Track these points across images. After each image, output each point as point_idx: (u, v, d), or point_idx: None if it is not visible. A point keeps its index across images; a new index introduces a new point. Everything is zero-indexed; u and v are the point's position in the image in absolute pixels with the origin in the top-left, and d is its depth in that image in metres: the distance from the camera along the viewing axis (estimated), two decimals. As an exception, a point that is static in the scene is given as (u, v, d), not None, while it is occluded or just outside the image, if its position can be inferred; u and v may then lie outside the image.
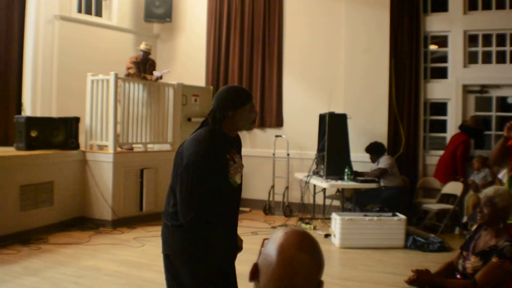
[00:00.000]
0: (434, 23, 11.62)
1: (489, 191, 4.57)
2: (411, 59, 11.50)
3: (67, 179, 10.17)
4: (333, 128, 10.82)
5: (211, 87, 13.05)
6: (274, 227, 10.70)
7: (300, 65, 12.66)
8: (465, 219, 10.21)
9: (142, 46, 11.43)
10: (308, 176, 10.99)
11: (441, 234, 9.99)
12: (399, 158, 11.38)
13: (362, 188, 10.56)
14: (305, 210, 11.58)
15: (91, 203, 10.44)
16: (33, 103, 11.30)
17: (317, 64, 12.45)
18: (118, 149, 10.64)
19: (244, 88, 4.17)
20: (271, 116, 12.66)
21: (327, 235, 9.87)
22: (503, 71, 11.18)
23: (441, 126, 11.77)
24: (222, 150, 3.92)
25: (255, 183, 12.10)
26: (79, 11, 12.32)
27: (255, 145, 12.22)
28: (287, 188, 12.18)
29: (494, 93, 11.39)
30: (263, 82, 12.85)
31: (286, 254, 1.92)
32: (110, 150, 10.39)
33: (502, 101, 11.58)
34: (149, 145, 11.47)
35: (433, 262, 7.83)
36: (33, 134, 9.78)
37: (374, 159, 11.07)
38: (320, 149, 11.13)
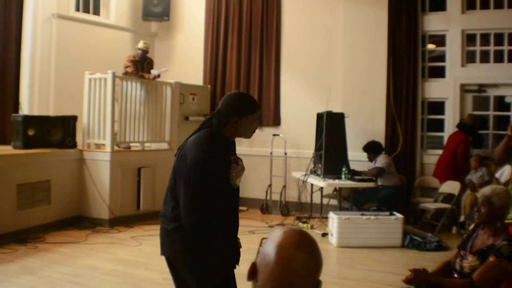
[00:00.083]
0: (432, 22, 11.62)
1: (486, 190, 4.57)
2: (409, 58, 11.50)
3: (64, 178, 10.16)
4: (330, 127, 10.83)
5: (209, 86, 13.09)
6: (271, 226, 10.70)
7: (298, 64, 12.66)
8: (462, 218, 10.21)
9: (141, 45, 11.43)
10: (305, 175, 11.00)
11: (438, 233, 10.00)
12: (396, 157, 11.38)
13: (359, 187, 10.57)
14: (303, 209, 11.59)
15: (88, 202, 10.43)
16: (31, 101, 11.28)
17: (315, 63, 12.45)
18: (116, 148, 10.64)
19: (253, 97, 4.20)
20: (269, 115, 12.65)
21: (324, 234, 9.87)
22: (501, 70, 11.18)
23: (439, 125, 11.77)
24: (225, 153, 3.95)
25: (253, 182, 12.09)
26: (77, 9, 12.30)
27: (253, 144, 12.21)
28: (284, 187, 12.18)
29: (492, 92, 11.40)
30: (261, 80, 12.85)
31: (284, 253, 1.92)
32: (108, 148, 10.38)
33: (499, 100, 11.57)
34: (147, 144, 11.48)
35: (430, 261, 7.84)
36: (31, 132, 9.78)
37: (371, 158, 11.07)
38: (317, 148, 11.13)
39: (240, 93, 4.20)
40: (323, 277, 2.00)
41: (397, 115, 11.56)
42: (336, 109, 11.28)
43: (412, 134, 11.52)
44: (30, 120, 9.86)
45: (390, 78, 11.59)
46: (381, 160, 10.85)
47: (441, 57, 11.79)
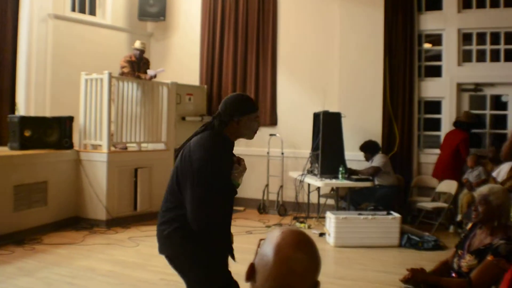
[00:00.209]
0: (428, 22, 11.62)
1: (483, 189, 4.57)
2: (405, 58, 11.50)
3: (61, 179, 10.14)
4: (327, 127, 10.82)
5: (205, 86, 13.09)
6: (268, 226, 10.70)
7: (294, 64, 12.66)
8: (459, 217, 10.22)
9: (137, 45, 11.43)
10: (302, 175, 11.00)
11: (436, 232, 10.00)
12: (393, 156, 11.39)
13: (356, 186, 10.57)
14: (300, 209, 11.58)
15: (85, 203, 10.42)
16: (27, 102, 11.27)
17: (312, 63, 12.45)
18: (112, 149, 10.63)
19: (252, 98, 4.26)
20: (265, 115, 12.63)
21: (321, 234, 9.87)
22: (497, 69, 11.19)
23: (435, 125, 11.77)
24: (228, 154, 3.99)
25: (249, 182, 12.05)
26: (73, 10, 12.30)
27: (249, 144, 12.11)
28: (281, 187, 12.19)
29: (488, 92, 11.40)
30: (257, 80, 12.84)
31: (283, 254, 1.92)
32: (104, 149, 10.37)
33: (496, 99, 11.59)
34: (143, 145, 11.46)
35: (427, 260, 7.85)
36: (27, 133, 9.75)
37: (368, 157, 11.08)
38: (314, 148, 11.13)
39: (239, 94, 4.28)
40: (320, 277, 1.99)
41: (394, 114, 11.56)
42: (332, 108, 11.28)
43: (408, 134, 11.52)
44: (26, 121, 9.84)
45: (387, 77, 11.59)
46: (377, 160, 10.85)
47: (438, 56, 11.80)
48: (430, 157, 11.55)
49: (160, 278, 7.07)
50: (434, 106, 11.75)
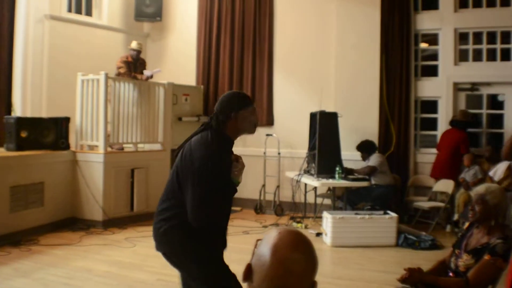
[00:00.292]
0: (425, 21, 11.63)
1: (480, 188, 4.57)
2: (401, 57, 11.51)
3: (57, 180, 10.13)
4: (324, 127, 10.82)
5: (202, 87, 13.08)
6: (265, 226, 10.70)
7: (291, 64, 12.66)
8: (456, 216, 10.23)
9: (134, 45, 11.42)
10: (299, 174, 11.00)
11: (432, 231, 10.01)
12: (390, 156, 11.40)
13: (353, 186, 10.57)
14: (296, 209, 11.59)
15: (81, 203, 10.41)
16: (23, 103, 11.24)
17: (308, 62, 12.46)
18: (109, 149, 10.62)
19: (246, 94, 4.29)
20: (262, 115, 12.61)
21: (318, 234, 9.87)
22: (493, 68, 11.20)
23: (432, 124, 11.78)
24: (227, 153, 4.03)
25: (246, 182, 11.92)
26: (69, 10, 12.26)
27: (246, 144, 12.20)
28: (278, 187, 12.19)
29: (485, 91, 11.41)
30: (254, 80, 12.84)
31: (280, 254, 1.91)
32: (101, 150, 10.36)
33: (492, 98, 11.59)
34: (140, 145, 11.45)
35: (424, 260, 7.86)
36: (23, 134, 9.74)
37: (365, 157, 11.09)
38: (311, 148, 11.12)
39: (233, 91, 4.37)
40: (317, 277, 1.99)
41: (390, 114, 11.57)
42: (329, 108, 11.28)
43: (405, 133, 11.53)
44: (22, 122, 9.82)
45: (383, 77, 11.60)
46: (374, 159, 10.87)
47: (434, 56, 11.80)
48: (426, 156, 11.57)
49: (157, 279, 7.07)
50: (431, 105, 11.76)
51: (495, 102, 11.56)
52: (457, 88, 11.49)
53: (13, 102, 11.12)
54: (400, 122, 11.52)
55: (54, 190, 10.00)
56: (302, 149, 11.80)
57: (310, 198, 11.70)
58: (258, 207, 12.16)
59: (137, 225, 10.31)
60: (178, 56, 13.76)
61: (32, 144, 9.86)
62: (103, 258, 8.27)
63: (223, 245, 4.17)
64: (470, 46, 11.45)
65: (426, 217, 10.80)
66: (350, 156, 11.21)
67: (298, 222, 10.87)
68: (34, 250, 8.60)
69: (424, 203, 10.71)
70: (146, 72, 11.32)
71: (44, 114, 11.12)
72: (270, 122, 12.69)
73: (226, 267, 4.07)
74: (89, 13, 12.88)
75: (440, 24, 11.47)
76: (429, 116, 11.82)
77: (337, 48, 12.08)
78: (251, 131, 4.19)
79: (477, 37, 11.45)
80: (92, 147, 10.66)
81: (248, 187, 11.97)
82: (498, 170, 9.98)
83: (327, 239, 9.37)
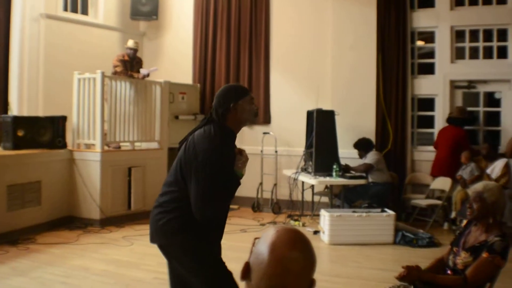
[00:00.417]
0: (421, 19, 11.64)
1: (478, 186, 4.57)
2: (398, 55, 11.52)
3: (54, 179, 10.12)
4: (321, 125, 10.81)
5: (198, 85, 13.07)
6: (262, 224, 10.70)
7: (288, 62, 12.66)
8: (453, 214, 10.23)
9: (131, 44, 11.41)
10: (296, 173, 10.98)
11: (430, 229, 10.02)
12: (387, 154, 11.41)
13: (350, 184, 10.57)
14: (294, 207, 11.59)
15: (79, 202, 10.40)
16: (20, 102, 11.23)
17: (305, 60, 12.45)
18: (106, 148, 10.61)
19: (241, 84, 4.35)
20: (259, 113, 12.59)
21: (316, 232, 9.87)
22: (490, 66, 11.22)
23: (429, 122, 11.78)
24: (230, 146, 4.05)
25: (243, 180, 11.89)
26: (65, 9, 12.25)
27: (243, 142, 12.15)
28: (275, 185, 12.19)
29: (482, 89, 11.42)
30: (250, 79, 12.83)
31: (278, 253, 1.91)
32: (98, 148, 10.35)
33: (489, 96, 11.61)
34: (137, 144, 11.44)
35: (422, 257, 7.85)
36: (20, 133, 9.72)
37: (362, 155, 11.10)
38: (308, 146, 11.12)
39: (227, 84, 4.44)
40: (315, 275, 1.99)
41: (387, 112, 11.58)
42: (326, 106, 11.27)
43: (402, 131, 11.54)
44: (19, 121, 9.81)
45: (380, 75, 11.61)
46: (370, 157, 10.87)
47: (431, 54, 11.81)
48: (423, 154, 11.59)
49: (154, 277, 7.06)
50: (427, 103, 11.77)
51: (492, 100, 11.58)
52: (454, 85, 11.50)
53: (9, 101, 11.11)
54: (397, 120, 11.52)
55: (51, 189, 9.99)
56: (299, 147, 11.79)
57: (308, 196, 11.71)
58: (256, 205, 12.16)
59: (134, 224, 10.31)
60: (175, 54, 13.76)
61: (29, 143, 9.85)
62: (101, 257, 8.26)
63: (219, 237, 4.18)
64: (467, 44, 11.46)
65: (423, 215, 10.81)
66: (347, 154, 11.20)
67: (295, 220, 10.86)
68: (32, 249, 8.59)
69: (421, 201, 10.72)
70: (143, 71, 11.31)
71: (40, 113, 11.10)
72: (267, 120, 12.69)
73: (222, 263, 4.07)
74: (85, 12, 12.87)
75: (437, 22, 11.48)
76: (426, 114, 11.83)
77: (334, 46, 12.08)
78: (252, 120, 4.19)
79: (474, 34, 11.45)
80: (89, 146, 10.65)
81: (245, 185, 11.84)
82: (496, 168, 10.00)
83: (325, 237, 9.37)
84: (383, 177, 10.78)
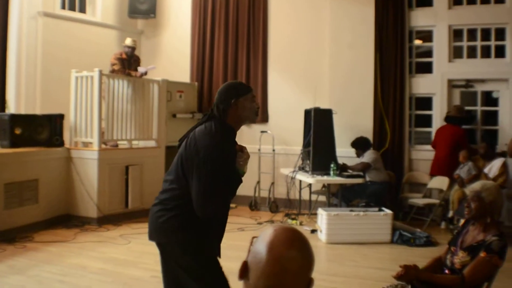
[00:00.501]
0: (419, 18, 11.64)
1: (476, 185, 4.57)
2: (396, 54, 11.52)
3: (52, 177, 10.11)
4: (318, 124, 10.81)
5: (196, 83, 13.07)
6: (260, 223, 10.70)
7: (285, 61, 12.65)
8: (450, 213, 10.24)
9: (128, 42, 11.39)
10: (293, 171, 10.98)
11: (427, 228, 10.03)
12: (384, 153, 11.41)
13: (348, 183, 10.56)
14: (291, 205, 11.59)
15: (76, 200, 10.40)
16: (17, 100, 11.22)
17: (302, 59, 12.45)
18: (103, 146, 10.59)
19: (242, 82, 4.33)
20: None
21: (313, 231, 9.87)
22: (488, 65, 11.22)
23: (427, 121, 11.79)
24: (231, 143, 4.05)
25: (241, 179, 12.00)
26: (63, 7, 12.24)
27: (241, 140, 12.01)
28: (272, 183, 12.18)
29: (479, 88, 11.42)
30: (248, 77, 12.83)
31: (276, 252, 1.91)
32: (95, 147, 10.35)
33: (487, 95, 11.61)
34: (134, 142, 11.43)
35: (419, 256, 7.88)
36: (17, 131, 9.72)
37: (359, 154, 11.09)
38: (305, 145, 11.12)
39: (229, 81, 4.42)
40: (312, 274, 1.98)
41: (385, 111, 11.58)
42: (323, 105, 11.28)
43: (400, 130, 11.54)
44: (17, 119, 9.81)
45: (378, 74, 11.60)
46: (368, 156, 10.87)
47: (428, 53, 11.81)
48: (421, 153, 11.60)
49: (152, 276, 7.04)
50: (425, 102, 11.76)
51: (490, 99, 11.58)
52: (452, 85, 11.50)
53: (7, 99, 11.10)
54: (394, 119, 11.52)
55: (48, 187, 9.99)
56: (296, 145, 11.79)
57: (305, 195, 11.71)
58: (253, 204, 12.16)
59: (131, 222, 10.32)
60: (172, 53, 13.75)
61: (26, 141, 9.84)
62: (98, 255, 8.26)
63: (220, 235, 4.18)
64: (465, 43, 11.46)
65: (421, 214, 10.84)
66: (345, 152, 11.20)
67: (293, 219, 10.86)
68: (29, 247, 8.59)
69: (418, 200, 10.74)
70: (140, 69, 11.30)
71: (38, 111, 11.09)
72: (264, 119, 12.68)
73: (219, 267, 4.06)
74: (82, 10, 12.86)
75: (434, 21, 11.48)
76: (424, 113, 11.83)
77: (331, 45, 12.07)
78: (253, 118, 4.17)
79: (472, 34, 11.46)
80: (86, 144, 10.65)
81: (243, 183, 11.91)
82: (493, 167, 10.00)
83: (322, 236, 9.38)
84: (381, 176, 10.78)
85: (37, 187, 9.77)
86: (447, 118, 10.99)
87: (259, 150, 12.18)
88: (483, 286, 4.35)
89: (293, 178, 11.02)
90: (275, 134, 12.20)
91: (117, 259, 8.06)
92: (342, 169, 10.61)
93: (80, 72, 10.63)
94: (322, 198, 11.44)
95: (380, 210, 9.56)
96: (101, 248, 8.66)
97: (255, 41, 12.81)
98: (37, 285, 6.86)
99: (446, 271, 4.53)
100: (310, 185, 11.43)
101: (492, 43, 11.25)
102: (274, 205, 11.95)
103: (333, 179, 10.35)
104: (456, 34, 11.49)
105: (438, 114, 11.48)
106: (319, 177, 10.41)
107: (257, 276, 1.91)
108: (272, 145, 12.18)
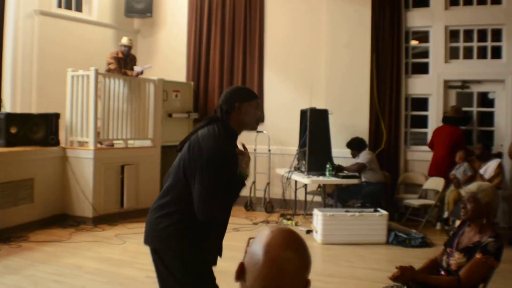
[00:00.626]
0: (416, 19, 11.65)
1: (472, 187, 4.57)
2: (392, 55, 11.53)
3: (47, 176, 10.09)
4: (314, 124, 10.80)
5: (192, 83, 13.06)
6: (255, 223, 10.70)
7: (282, 61, 12.65)
8: (446, 214, 10.24)
9: (125, 41, 11.39)
10: (289, 172, 10.98)
11: (423, 229, 10.04)
12: (380, 153, 11.42)
13: (343, 184, 10.56)
14: (287, 206, 11.58)
15: (71, 200, 10.38)
16: (13, 99, 11.20)
17: (299, 59, 12.45)
18: (99, 145, 10.58)
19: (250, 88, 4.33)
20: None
21: (308, 231, 9.87)
22: (484, 66, 11.24)
23: (423, 122, 11.79)
24: (233, 145, 4.04)
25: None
26: (59, 6, 12.22)
27: (237, 141, 12.17)
28: (268, 184, 12.18)
29: (475, 89, 11.44)
30: (244, 77, 12.83)
31: (272, 253, 1.90)
32: (91, 146, 10.33)
33: (483, 96, 11.63)
34: (130, 141, 11.41)
35: (415, 257, 7.89)
36: (13, 130, 9.70)
37: (355, 154, 11.10)
38: (301, 145, 11.11)
39: (237, 85, 4.36)
40: (308, 275, 1.98)
41: (381, 111, 11.59)
42: (319, 105, 11.28)
43: (395, 131, 11.54)
44: (12, 118, 9.78)
45: (374, 74, 11.61)
46: (363, 156, 10.88)
47: (425, 53, 11.83)
48: (417, 154, 11.61)
49: (147, 276, 7.02)
50: (421, 103, 11.78)
51: (486, 100, 11.60)
52: (448, 85, 11.52)
53: (2, 98, 11.07)
54: (390, 120, 11.53)
55: (44, 186, 9.97)
56: (292, 146, 11.80)
57: (301, 195, 11.71)
58: (248, 204, 12.15)
59: (127, 222, 10.30)
60: (169, 52, 13.74)
61: (21, 140, 9.82)
62: (93, 255, 8.25)
63: (220, 238, 4.14)
64: (461, 44, 11.48)
65: (416, 215, 10.84)
66: (340, 153, 11.21)
67: (288, 219, 10.85)
68: (24, 246, 8.57)
69: (414, 201, 10.75)
70: (137, 68, 11.30)
71: (34, 110, 11.07)
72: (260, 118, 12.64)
73: (212, 279, 4.04)
74: (79, 8, 12.84)
75: (431, 21, 11.49)
76: (420, 113, 11.84)
77: (328, 45, 12.08)
78: (254, 126, 4.14)
79: (468, 34, 11.47)
80: (82, 143, 10.64)
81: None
82: (489, 168, 10.01)
83: (318, 236, 9.38)
84: (376, 177, 10.79)
85: (32, 186, 9.75)
86: (445, 119, 11.00)
87: (255, 150, 12.15)
88: (479, 287, 4.35)
89: (288, 179, 11.02)
90: (271, 134, 12.19)
91: (112, 259, 8.05)
92: (337, 169, 10.61)
93: (76, 71, 10.61)
94: (318, 198, 11.44)
95: (376, 210, 9.57)
96: (97, 248, 8.64)
97: (251, 41, 12.81)
98: (32, 285, 6.84)
99: (442, 273, 4.53)
100: (305, 185, 11.44)
101: (489, 44, 11.27)
102: (270, 206, 11.94)
103: (328, 179, 10.34)
104: (453, 34, 11.51)
105: (434, 115, 11.50)
106: (314, 178, 10.41)
107: (254, 277, 1.91)
108: (268, 145, 12.17)
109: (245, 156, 4.09)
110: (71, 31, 12.20)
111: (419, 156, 11.48)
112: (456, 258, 4.40)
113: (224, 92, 4.13)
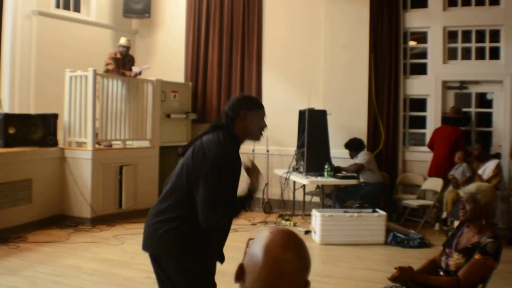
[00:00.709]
0: (414, 19, 11.65)
1: (471, 187, 4.57)
2: (390, 55, 11.53)
3: (45, 177, 10.08)
4: (312, 125, 10.80)
5: (190, 84, 13.04)
6: (254, 224, 10.68)
7: (280, 61, 12.64)
8: (444, 215, 10.25)
9: (123, 42, 11.38)
10: (287, 172, 10.97)
11: (421, 230, 10.03)
12: (378, 154, 11.42)
13: (342, 184, 10.56)
14: (285, 206, 11.60)
15: (70, 200, 10.37)
16: (11, 99, 11.18)
17: (297, 60, 12.45)
18: (97, 146, 10.57)
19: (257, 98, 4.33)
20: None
21: (307, 232, 9.86)
22: (482, 67, 11.25)
23: (421, 122, 11.80)
24: (238, 153, 4.03)
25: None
26: (57, 6, 12.20)
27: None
28: (266, 184, 12.16)
29: (474, 89, 11.45)
30: (243, 78, 12.81)
31: (272, 254, 1.90)
32: (89, 147, 10.32)
33: (481, 97, 11.63)
34: (128, 142, 11.40)
35: (413, 258, 7.90)
36: (11, 131, 9.69)
37: (353, 155, 11.09)
38: (299, 146, 11.11)
39: (245, 93, 4.35)
40: (306, 275, 1.98)
41: (379, 112, 11.59)
42: (318, 106, 11.27)
43: (394, 131, 11.55)
44: (10, 119, 9.77)
45: (372, 75, 11.62)
46: (361, 157, 10.88)
47: (423, 54, 11.83)
48: (415, 154, 11.61)
49: (145, 277, 7.02)
50: (420, 103, 11.78)
51: (484, 101, 11.60)
52: (446, 86, 11.52)
53: (0, 98, 11.06)
54: (389, 120, 11.54)
55: (42, 187, 9.96)
56: (291, 146, 11.78)
57: (299, 196, 11.71)
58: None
59: (125, 223, 10.29)
60: (167, 53, 13.73)
61: (20, 141, 9.81)
62: (92, 256, 8.24)
63: (221, 245, 4.14)
64: (459, 45, 11.49)
65: (414, 215, 10.84)
66: (338, 154, 11.21)
67: (286, 220, 10.85)
68: (22, 247, 8.56)
69: (412, 201, 10.76)
70: (135, 69, 11.29)
71: (32, 110, 11.06)
72: (259, 119, 12.63)
73: (212, 285, 4.04)
74: (77, 9, 12.82)
75: (429, 22, 11.50)
76: (418, 114, 11.84)
77: (326, 46, 12.07)
78: (257, 136, 4.16)
79: (466, 35, 11.48)
80: (80, 144, 10.62)
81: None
82: (487, 169, 10.02)
83: (316, 237, 9.38)
84: (375, 177, 10.79)
85: (30, 187, 9.74)
86: (445, 119, 11.01)
87: (253, 150, 12.16)
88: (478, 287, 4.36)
89: (287, 179, 11.02)
90: (269, 134, 12.13)
91: (110, 260, 8.04)
92: (336, 170, 10.61)
93: (74, 71, 10.61)
94: (316, 199, 11.44)
95: (374, 211, 9.57)
96: (95, 249, 8.63)
97: (249, 41, 12.80)
98: (30, 285, 6.83)
99: (441, 273, 4.53)
100: (304, 186, 11.44)
101: (487, 44, 11.28)
102: (268, 206, 11.93)
103: (327, 180, 10.34)
104: (451, 35, 11.52)
105: (432, 116, 11.50)
106: (313, 178, 10.40)
107: (254, 278, 1.91)
108: (266, 146, 12.16)
109: (256, 172, 4.10)
110: (69, 31, 12.18)
111: (418, 157, 11.49)
112: (455, 259, 4.40)
113: (231, 98, 4.15)
